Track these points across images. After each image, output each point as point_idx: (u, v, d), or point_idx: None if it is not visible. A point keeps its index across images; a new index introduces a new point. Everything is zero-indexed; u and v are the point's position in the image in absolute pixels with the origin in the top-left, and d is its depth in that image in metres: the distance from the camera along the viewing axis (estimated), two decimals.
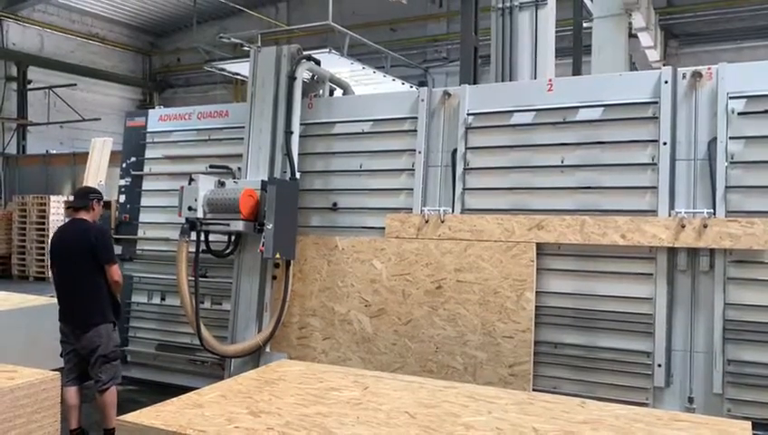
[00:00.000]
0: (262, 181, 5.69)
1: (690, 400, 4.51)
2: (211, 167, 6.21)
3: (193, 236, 5.67)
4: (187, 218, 5.66)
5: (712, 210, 4.48)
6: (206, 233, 5.79)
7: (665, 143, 4.66)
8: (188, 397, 3.38)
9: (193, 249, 5.67)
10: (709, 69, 4.66)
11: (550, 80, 5.33)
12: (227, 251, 5.92)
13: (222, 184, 5.77)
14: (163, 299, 6.66)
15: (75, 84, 20.72)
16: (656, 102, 4.74)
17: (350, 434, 2.87)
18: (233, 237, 5.91)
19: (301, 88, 5.91)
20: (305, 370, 4.01)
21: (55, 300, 5.08)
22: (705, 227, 4.41)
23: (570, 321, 4.87)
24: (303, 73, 6.02)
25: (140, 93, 24.94)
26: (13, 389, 3.69)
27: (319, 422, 3.00)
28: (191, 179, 5.74)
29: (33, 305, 6.97)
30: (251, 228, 5.65)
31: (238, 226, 5.60)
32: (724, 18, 15.28)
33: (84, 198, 5.13)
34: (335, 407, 3.24)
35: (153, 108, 8.06)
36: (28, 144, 20.36)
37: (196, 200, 5.62)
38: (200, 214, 5.63)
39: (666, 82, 4.72)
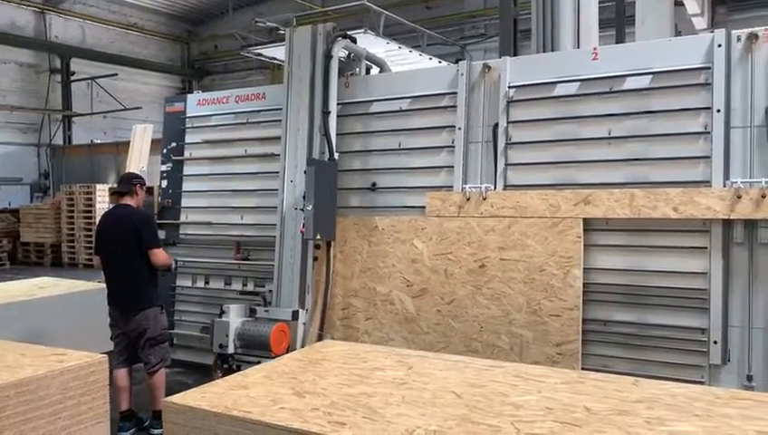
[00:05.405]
0: (292, 312, 5.55)
1: (749, 378, 4.32)
2: (241, 293, 6.21)
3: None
4: (218, 354, 5.61)
5: None
6: (239, 365, 5.69)
7: (718, 110, 4.44)
8: (233, 378, 3.38)
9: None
10: (766, 30, 4.41)
11: (595, 48, 5.13)
12: None
13: (253, 312, 5.69)
14: (207, 283, 6.72)
15: (116, 74, 21.08)
16: (708, 68, 4.52)
17: (396, 414, 2.81)
18: None
19: (337, 66, 5.83)
20: (348, 350, 3.97)
21: (104, 285, 5.16)
22: (764, 196, 4.19)
23: (619, 298, 4.72)
24: (339, 52, 5.93)
25: (179, 81, 25.26)
26: (63, 371, 3.75)
27: (364, 402, 2.95)
28: (222, 311, 5.66)
29: (83, 290, 7.10)
30: None
31: None
32: None
33: (128, 183, 5.19)
34: (380, 387, 3.18)
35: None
36: (74, 135, 20.86)
37: (227, 336, 5.55)
38: (231, 349, 5.58)
39: (719, 46, 4.49)
